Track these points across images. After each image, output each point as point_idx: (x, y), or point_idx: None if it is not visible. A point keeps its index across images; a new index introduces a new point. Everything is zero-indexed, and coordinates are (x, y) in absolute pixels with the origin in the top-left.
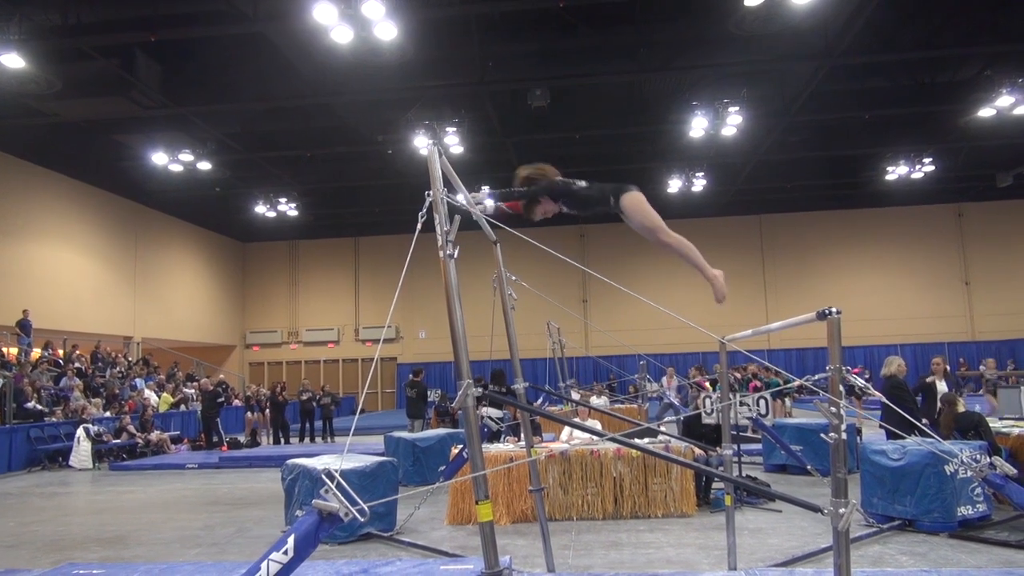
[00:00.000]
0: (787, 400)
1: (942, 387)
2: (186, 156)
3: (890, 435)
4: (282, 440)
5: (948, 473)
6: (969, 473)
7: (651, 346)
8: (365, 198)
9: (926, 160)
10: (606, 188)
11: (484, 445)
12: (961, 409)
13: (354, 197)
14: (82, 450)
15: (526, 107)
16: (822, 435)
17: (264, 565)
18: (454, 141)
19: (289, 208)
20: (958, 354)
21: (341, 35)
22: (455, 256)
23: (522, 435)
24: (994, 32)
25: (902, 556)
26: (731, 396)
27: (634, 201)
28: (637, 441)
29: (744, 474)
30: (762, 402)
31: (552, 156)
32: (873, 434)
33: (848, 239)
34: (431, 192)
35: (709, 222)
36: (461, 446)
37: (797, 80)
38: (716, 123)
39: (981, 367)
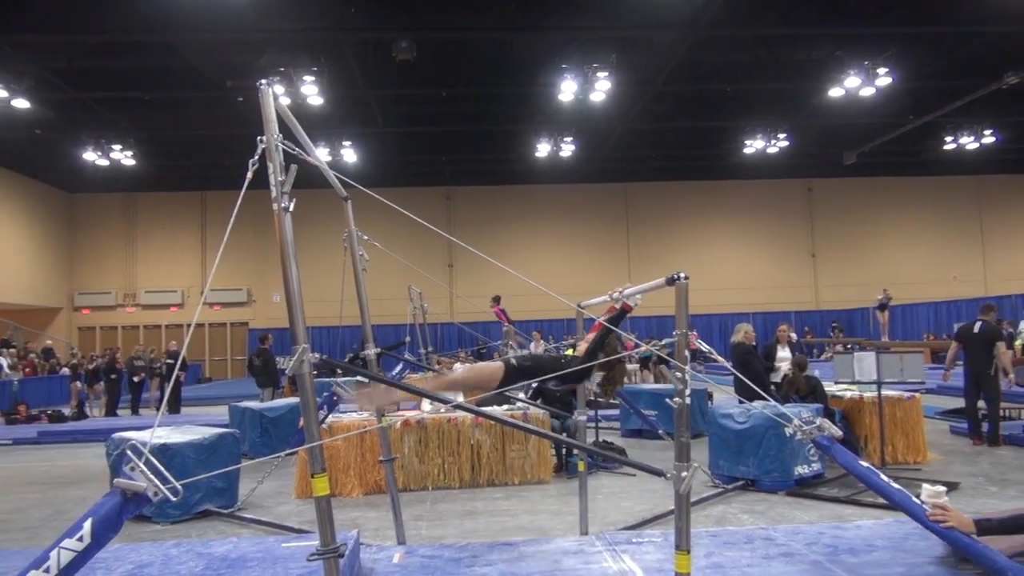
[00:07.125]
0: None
1: (784, 352)
2: None
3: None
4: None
5: (788, 435)
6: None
7: (519, 312)
8: (213, 149)
9: (781, 135)
10: None
11: (335, 415)
12: (804, 374)
13: (200, 148)
14: None
15: (391, 59)
16: (667, 400)
17: (54, 554)
18: (312, 91)
19: (124, 156)
20: (804, 323)
21: None
22: (291, 209)
23: None
24: (844, 14)
25: (743, 515)
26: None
27: None
28: (487, 409)
29: (601, 439)
30: None
31: (418, 114)
32: (726, 398)
33: (708, 209)
34: (264, 138)
35: (576, 188)
36: None
37: (665, 50)
38: (585, 88)
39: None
